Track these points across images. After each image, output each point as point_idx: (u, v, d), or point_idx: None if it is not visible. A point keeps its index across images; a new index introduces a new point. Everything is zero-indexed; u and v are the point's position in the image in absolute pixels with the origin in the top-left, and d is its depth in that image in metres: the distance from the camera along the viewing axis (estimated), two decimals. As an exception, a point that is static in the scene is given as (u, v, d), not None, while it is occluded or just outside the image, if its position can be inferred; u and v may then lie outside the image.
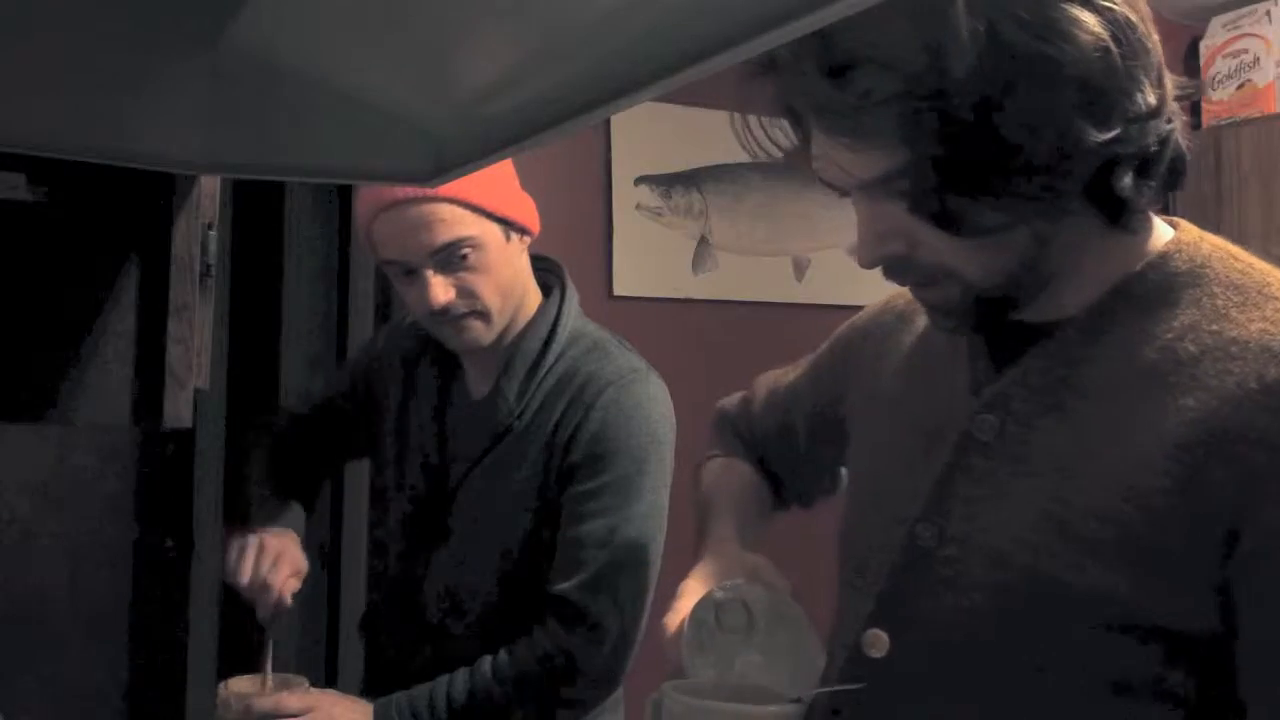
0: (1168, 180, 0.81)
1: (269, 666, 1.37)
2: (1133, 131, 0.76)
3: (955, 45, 0.71)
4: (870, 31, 0.73)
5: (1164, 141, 0.79)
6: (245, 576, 1.39)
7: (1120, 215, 0.81)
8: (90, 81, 0.69)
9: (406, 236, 1.36)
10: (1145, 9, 0.78)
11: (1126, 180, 0.78)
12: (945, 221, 0.78)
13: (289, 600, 1.40)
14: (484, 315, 1.40)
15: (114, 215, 0.99)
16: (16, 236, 0.96)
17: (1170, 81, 0.79)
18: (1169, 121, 0.79)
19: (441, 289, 1.37)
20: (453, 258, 1.36)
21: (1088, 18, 0.73)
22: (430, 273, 1.36)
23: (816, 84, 0.76)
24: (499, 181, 1.39)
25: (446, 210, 1.35)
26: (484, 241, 1.37)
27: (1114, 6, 0.74)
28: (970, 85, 0.72)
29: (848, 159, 0.79)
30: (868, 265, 0.84)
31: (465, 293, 1.38)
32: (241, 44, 0.65)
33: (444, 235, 1.35)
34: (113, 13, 0.64)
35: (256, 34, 0.65)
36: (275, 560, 1.40)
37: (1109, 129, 0.75)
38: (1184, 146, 0.81)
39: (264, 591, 1.38)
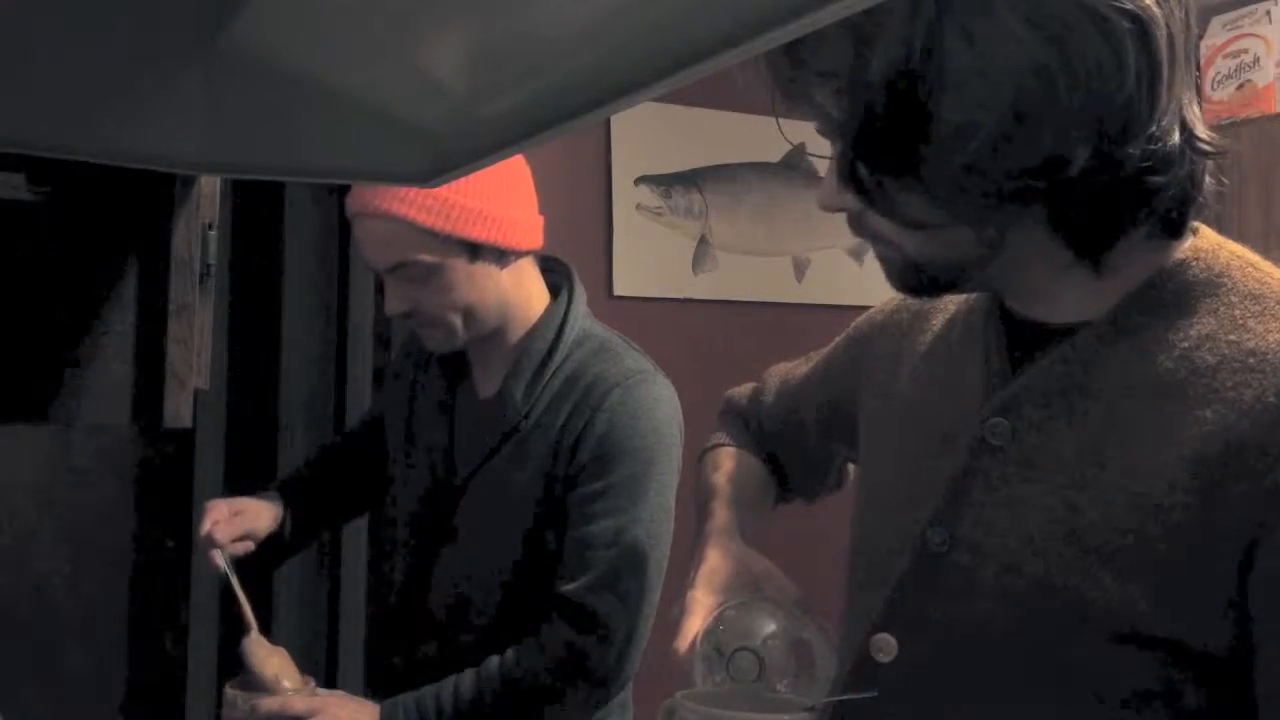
0: (1168, 221, 0.79)
1: (239, 592, 1.42)
2: (1071, 162, 0.73)
3: (883, 44, 0.71)
4: None
5: (1121, 181, 0.75)
6: (201, 531, 1.45)
7: (1089, 249, 0.79)
8: (90, 81, 0.68)
9: (363, 250, 1.41)
10: (1123, 44, 0.71)
11: (1082, 212, 0.76)
12: (869, 200, 0.80)
13: (219, 561, 1.43)
14: (444, 327, 1.41)
15: (114, 215, 0.99)
16: (16, 236, 0.96)
17: (1153, 128, 0.74)
18: (1155, 171, 0.75)
19: (394, 299, 1.40)
20: (405, 274, 1.37)
21: (1039, 45, 0.70)
22: (389, 281, 1.40)
23: (778, 49, 0.77)
24: (469, 198, 1.36)
25: (389, 231, 1.35)
26: (436, 264, 1.36)
27: (1067, 33, 0.70)
28: (890, 85, 0.72)
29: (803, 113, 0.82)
30: (824, 209, 0.87)
31: (421, 306, 1.39)
32: (241, 44, 0.65)
33: (388, 257, 1.37)
34: (112, 12, 0.64)
35: (256, 34, 0.64)
36: (227, 519, 1.45)
37: (1035, 155, 0.72)
38: (1167, 195, 0.77)
39: (208, 546, 1.44)
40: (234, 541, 1.45)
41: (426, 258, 1.35)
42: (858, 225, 0.86)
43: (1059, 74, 0.71)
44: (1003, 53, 0.70)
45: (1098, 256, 0.80)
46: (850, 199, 0.83)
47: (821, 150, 0.87)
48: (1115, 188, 0.75)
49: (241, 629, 1.41)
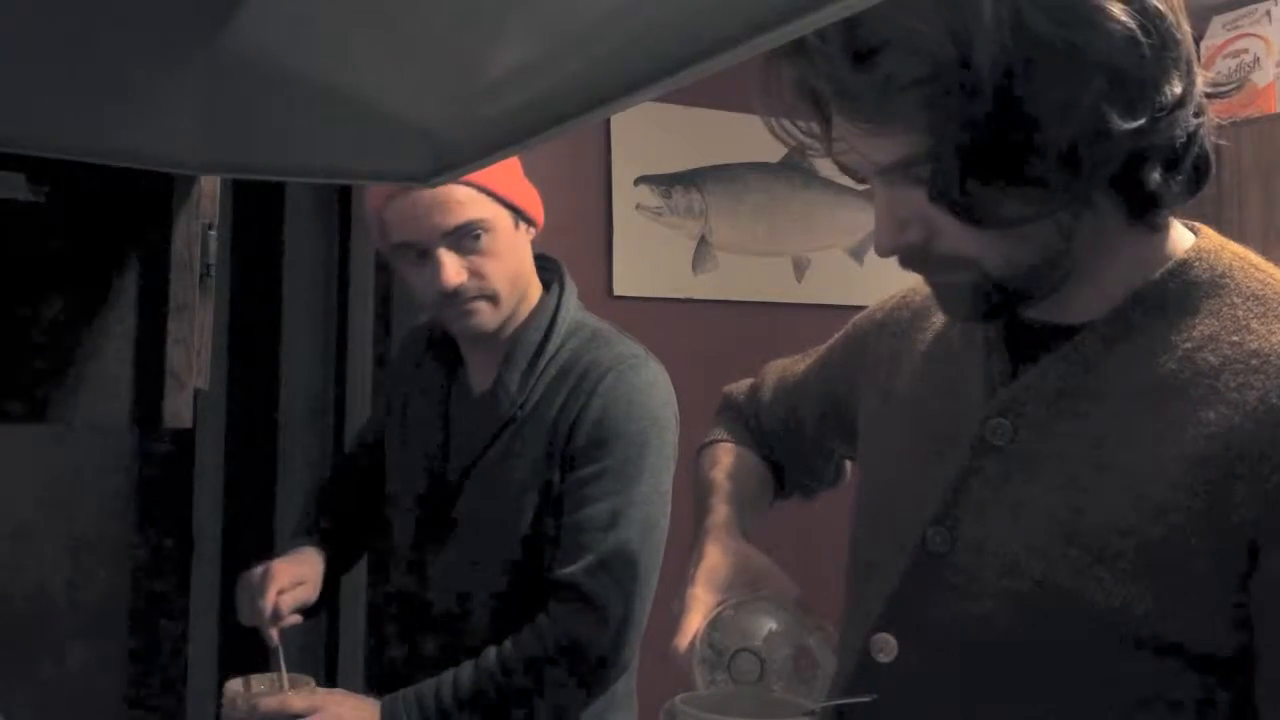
0: (1193, 179, 0.80)
1: (283, 670, 1.38)
2: (1160, 123, 0.75)
3: (980, 32, 0.71)
4: (896, 15, 0.72)
5: (1191, 137, 0.78)
6: (243, 617, 1.43)
7: (1145, 211, 0.80)
8: (90, 81, 0.69)
9: (421, 217, 1.38)
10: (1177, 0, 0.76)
11: (1154, 174, 0.77)
12: (965, 211, 0.77)
13: (275, 637, 1.40)
14: (493, 298, 1.42)
15: (114, 215, 0.99)
16: (16, 236, 0.96)
17: (1201, 77, 0.78)
18: (1197, 116, 0.78)
19: (454, 269, 1.39)
20: (465, 239, 1.38)
21: (1115, 6, 0.72)
22: (443, 252, 1.38)
23: (840, 67, 0.75)
24: (510, 170, 1.43)
25: (462, 192, 1.38)
26: (495, 225, 1.40)
27: None
28: (994, 73, 0.71)
29: (867, 144, 0.79)
30: (886, 253, 0.84)
31: (476, 274, 1.40)
32: (241, 44, 0.65)
33: (459, 216, 1.37)
34: (112, 12, 0.64)
35: (255, 34, 0.65)
36: (290, 589, 1.43)
37: (1135, 119, 0.74)
38: (1209, 145, 0.80)
39: (264, 626, 1.41)
40: (289, 614, 1.43)
41: (490, 217, 1.39)
42: (920, 258, 0.84)
43: (1140, 38, 0.72)
44: (1098, 26, 0.72)
45: (1154, 213, 0.81)
46: (914, 232, 0.81)
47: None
48: (1170, 139, 0.77)
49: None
